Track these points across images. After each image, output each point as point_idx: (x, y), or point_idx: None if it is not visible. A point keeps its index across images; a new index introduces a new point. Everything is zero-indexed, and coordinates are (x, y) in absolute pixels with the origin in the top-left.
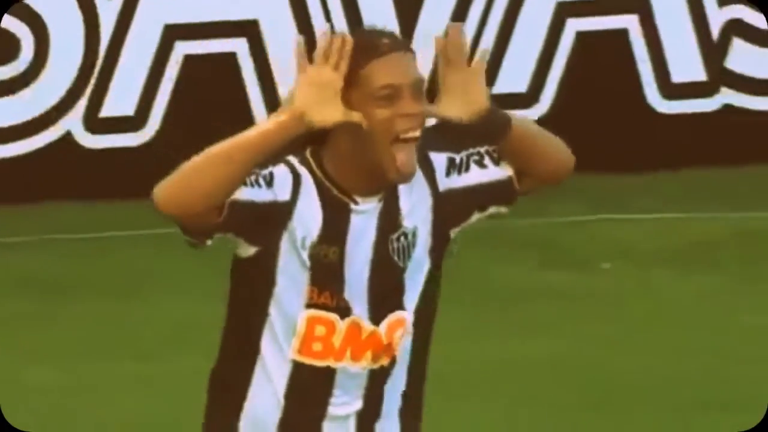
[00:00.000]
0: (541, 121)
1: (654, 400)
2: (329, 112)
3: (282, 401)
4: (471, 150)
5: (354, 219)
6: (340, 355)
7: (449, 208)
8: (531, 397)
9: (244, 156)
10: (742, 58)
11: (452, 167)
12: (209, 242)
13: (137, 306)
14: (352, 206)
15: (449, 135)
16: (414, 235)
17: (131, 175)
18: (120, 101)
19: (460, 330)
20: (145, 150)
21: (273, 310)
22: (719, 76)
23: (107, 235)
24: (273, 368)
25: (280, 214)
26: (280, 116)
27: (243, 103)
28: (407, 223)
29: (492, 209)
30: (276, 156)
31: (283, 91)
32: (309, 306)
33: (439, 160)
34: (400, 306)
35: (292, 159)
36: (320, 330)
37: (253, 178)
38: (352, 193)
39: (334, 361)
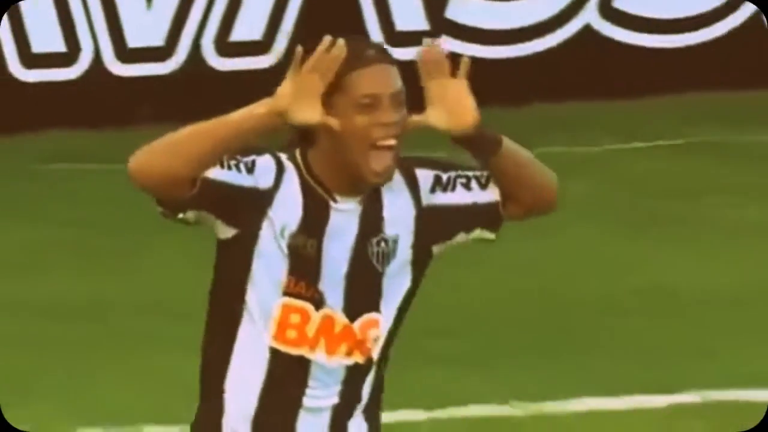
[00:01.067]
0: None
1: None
2: (308, 114)
3: (259, 389)
4: (459, 172)
5: (333, 216)
6: (314, 343)
7: (432, 224)
8: None
9: (219, 137)
10: (462, 8)
11: (438, 184)
12: (181, 215)
13: None
14: (332, 204)
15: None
16: (395, 242)
17: None
18: None
19: None
20: None
21: (250, 294)
22: (441, 26)
23: None
24: (251, 355)
25: (259, 200)
26: (261, 108)
27: (3, 69)
28: (389, 230)
29: (477, 232)
30: (255, 144)
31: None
32: (285, 294)
33: (424, 175)
34: (375, 308)
35: (281, 155)
36: (294, 318)
37: (233, 162)
38: (332, 192)
39: (309, 350)
